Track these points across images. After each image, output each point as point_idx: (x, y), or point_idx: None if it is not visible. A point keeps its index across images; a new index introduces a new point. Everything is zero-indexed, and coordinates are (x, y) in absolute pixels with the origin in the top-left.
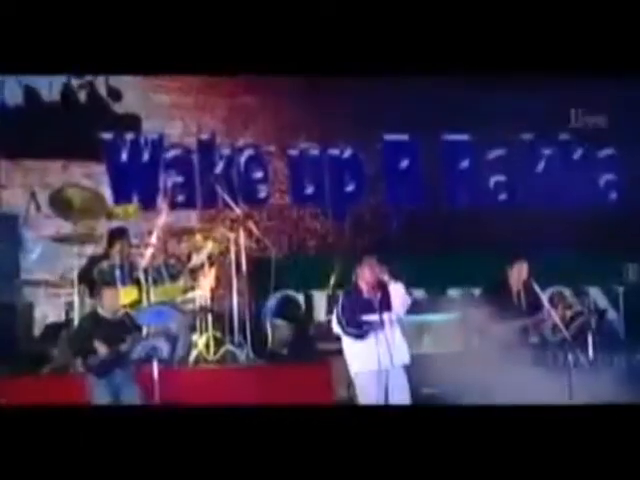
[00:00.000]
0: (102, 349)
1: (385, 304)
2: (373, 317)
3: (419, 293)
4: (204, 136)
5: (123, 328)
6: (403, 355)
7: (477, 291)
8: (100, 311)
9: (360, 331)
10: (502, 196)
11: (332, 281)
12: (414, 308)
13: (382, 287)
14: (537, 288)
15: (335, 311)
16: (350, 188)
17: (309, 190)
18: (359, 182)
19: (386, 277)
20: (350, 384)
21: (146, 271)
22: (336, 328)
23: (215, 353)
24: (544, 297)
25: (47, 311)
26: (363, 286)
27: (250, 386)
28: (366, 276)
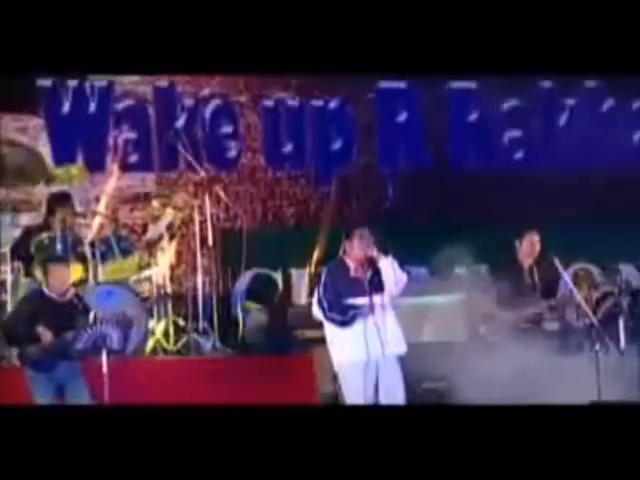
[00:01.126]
0: (46, 337)
1: (376, 284)
2: (361, 300)
3: (418, 271)
4: (162, 83)
5: (71, 312)
6: (397, 344)
7: (486, 268)
8: (46, 291)
9: (345, 317)
10: (517, 155)
11: (314, 258)
12: (412, 288)
13: (372, 264)
14: (558, 263)
15: (316, 293)
16: (336, 146)
17: (287, 148)
18: (347, 139)
19: (377, 252)
20: (336, 378)
21: (93, 244)
22: (317, 313)
23: (176, 342)
24: (567, 275)
25: None
26: (351, 263)
27: (217, 381)
28: (355, 251)
